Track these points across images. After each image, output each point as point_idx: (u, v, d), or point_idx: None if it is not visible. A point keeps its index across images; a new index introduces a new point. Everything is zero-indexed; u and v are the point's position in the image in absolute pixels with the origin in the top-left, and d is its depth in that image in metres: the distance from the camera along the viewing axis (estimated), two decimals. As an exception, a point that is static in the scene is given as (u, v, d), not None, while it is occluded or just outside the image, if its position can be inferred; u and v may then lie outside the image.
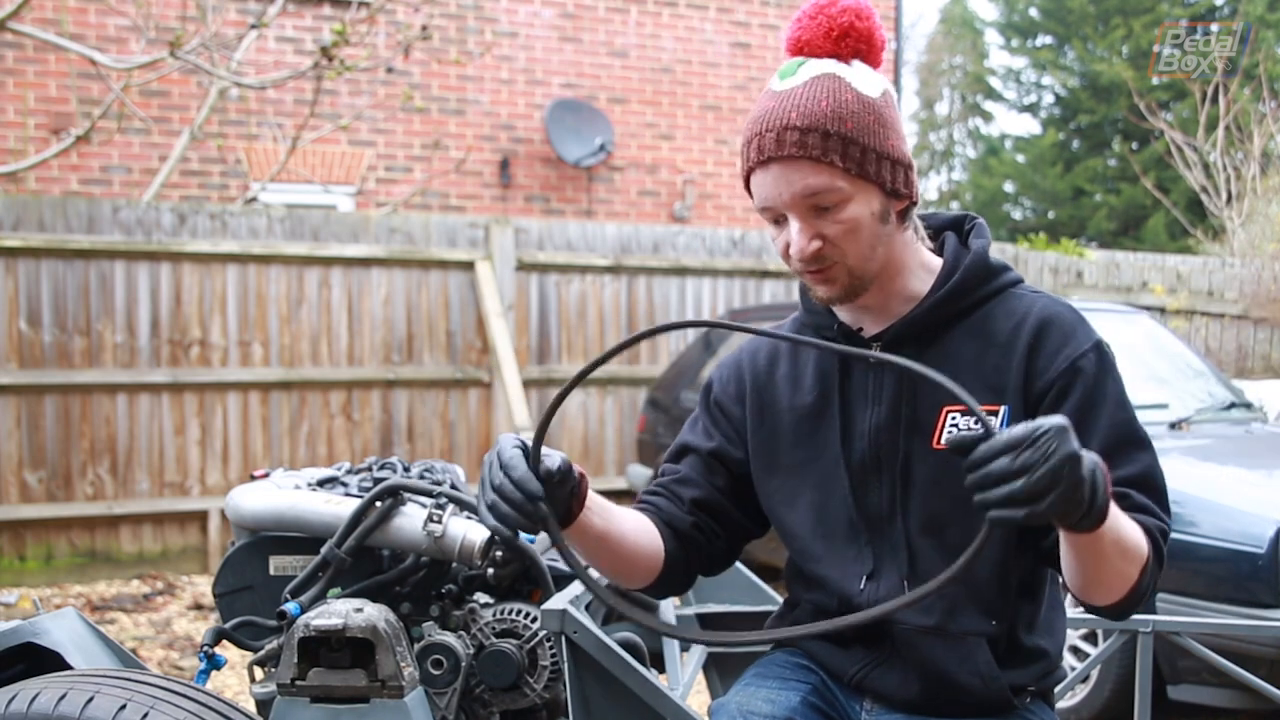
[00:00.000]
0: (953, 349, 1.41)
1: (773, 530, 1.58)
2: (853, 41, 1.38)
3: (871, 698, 1.46)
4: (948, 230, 1.50)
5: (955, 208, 26.74)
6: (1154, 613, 1.95)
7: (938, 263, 1.45)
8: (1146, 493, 1.33)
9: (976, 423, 1.25)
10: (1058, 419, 1.08)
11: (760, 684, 1.52)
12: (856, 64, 1.38)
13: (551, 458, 1.27)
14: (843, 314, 1.48)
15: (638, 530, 1.45)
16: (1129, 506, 1.30)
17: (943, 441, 1.38)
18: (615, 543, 1.41)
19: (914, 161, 1.42)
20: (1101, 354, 1.38)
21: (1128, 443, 1.35)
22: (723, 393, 1.58)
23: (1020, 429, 1.08)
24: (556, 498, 1.28)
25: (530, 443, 1.26)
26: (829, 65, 1.37)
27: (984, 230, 1.49)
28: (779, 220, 1.38)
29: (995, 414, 1.37)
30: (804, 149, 1.32)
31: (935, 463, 1.39)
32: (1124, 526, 1.24)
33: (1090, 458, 1.11)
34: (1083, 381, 1.36)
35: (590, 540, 1.37)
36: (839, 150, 1.33)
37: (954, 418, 1.39)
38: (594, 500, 1.36)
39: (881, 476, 1.42)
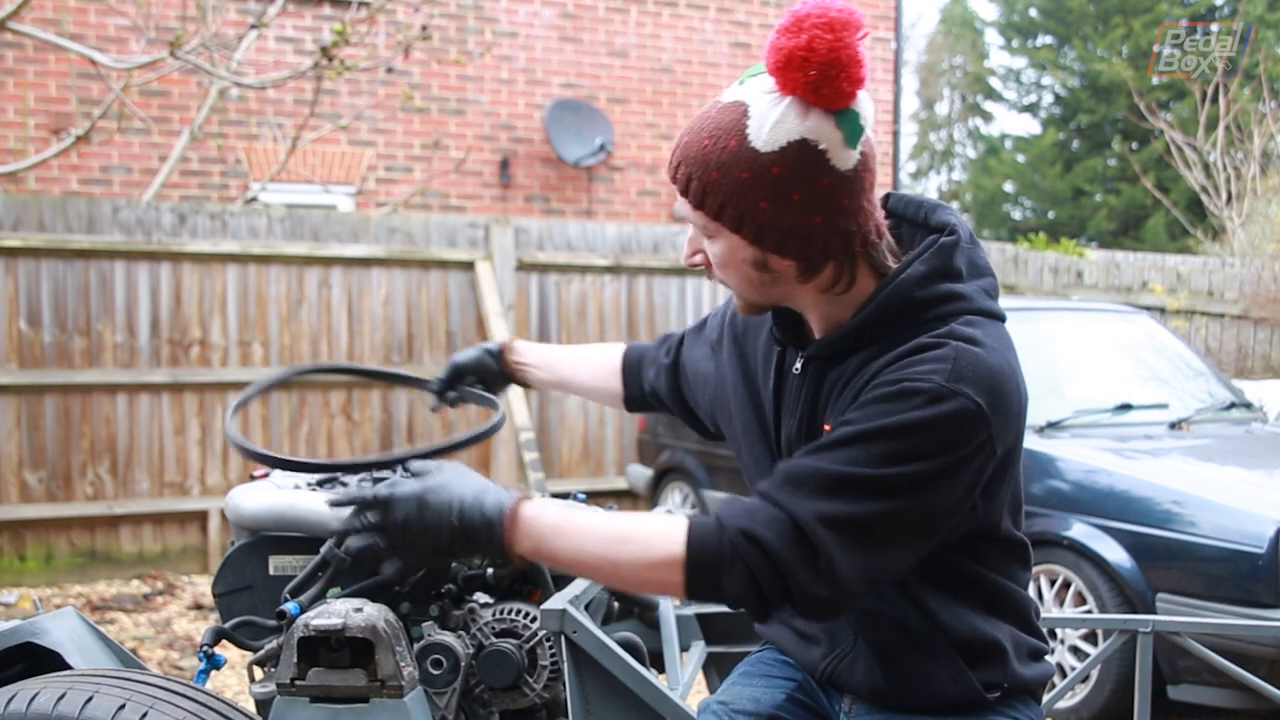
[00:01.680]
0: (846, 371, 1.34)
1: None
2: (799, 77, 1.19)
3: (849, 695, 1.46)
4: (936, 233, 1.36)
5: (955, 208, 26.88)
6: (1154, 613, 1.95)
7: (871, 287, 1.33)
8: (780, 477, 1.25)
9: None
10: (404, 491, 1.32)
11: (746, 682, 1.53)
12: (786, 103, 1.21)
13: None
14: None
15: (594, 376, 1.88)
16: (747, 509, 1.25)
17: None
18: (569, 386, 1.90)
19: (815, 228, 1.25)
20: (930, 397, 1.19)
21: (828, 481, 1.21)
22: (715, 320, 1.68)
23: (370, 492, 1.35)
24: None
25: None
26: (758, 93, 1.24)
27: (940, 254, 1.31)
28: None
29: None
30: (675, 178, 1.32)
31: None
32: (590, 539, 1.27)
33: (459, 514, 1.29)
34: (872, 394, 1.24)
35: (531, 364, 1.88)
36: (699, 194, 1.28)
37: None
38: (535, 360, 1.87)
39: None
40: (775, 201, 1.23)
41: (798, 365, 1.40)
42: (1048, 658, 1.47)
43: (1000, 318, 1.33)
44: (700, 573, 1.23)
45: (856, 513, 1.20)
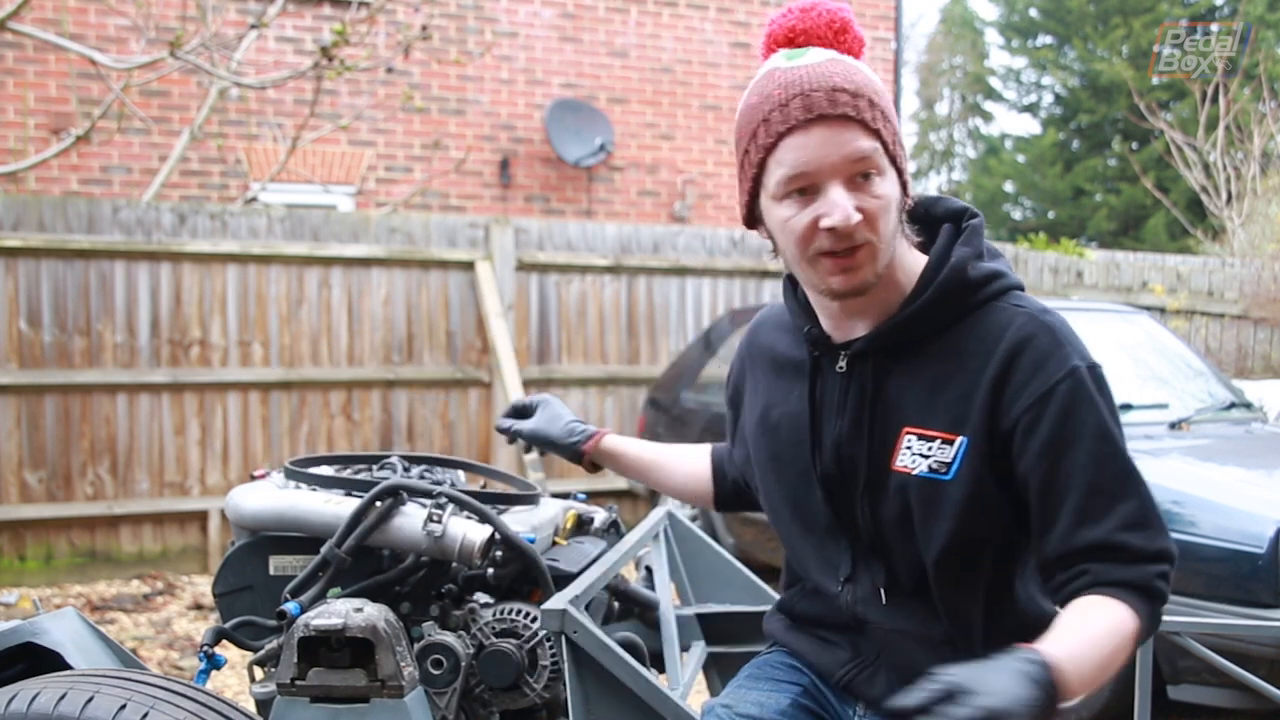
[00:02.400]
0: (920, 367, 1.35)
1: (772, 530, 1.59)
2: (849, 40, 1.35)
3: (863, 702, 1.46)
4: (947, 222, 1.41)
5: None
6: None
7: (919, 266, 1.37)
8: (1132, 538, 1.25)
9: (932, 448, 1.32)
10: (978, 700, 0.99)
11: (752, 685, 1.52)
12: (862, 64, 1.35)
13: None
14: (821, 313, 1.43)
15: (688, 476, 1.82)
16: (1107, 560, 1.25)
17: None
18: (662, 480, 1.83)
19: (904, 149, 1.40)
20: (1077, 382, 1.27)
21: (1111, 485, 1.26)
22: (734, 394, 1.64)
23: (929, 693, 1.01)
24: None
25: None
26: (833, 54, 1.33)
27: (975, 236, 1.38)
28: (805, 191, 1.29)
29: (951, 444, 1.31)
30: (857, 110, 1.27)
31: (893, 483, 1.36)
32: (1095, 654, 1.17)
33: (1023, 682, 1.04)
34: (1052, 415, 1.27)
35: (619, 466, 1.84)
36: (884, 122, 1.29)
37: (910, 440, 1.35)
38: (616, 448, 1.82)
39: (848, 489, 1.41)
40: (896, 120, 1.34)
41: (842, 364, 1.40)
42: None
43: (1024, 288, 1.40)
44: (1150, 629, 1.27)
45: (1149, 493, 1.30)
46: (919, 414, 1.34)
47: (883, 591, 1.39)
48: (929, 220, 1.42)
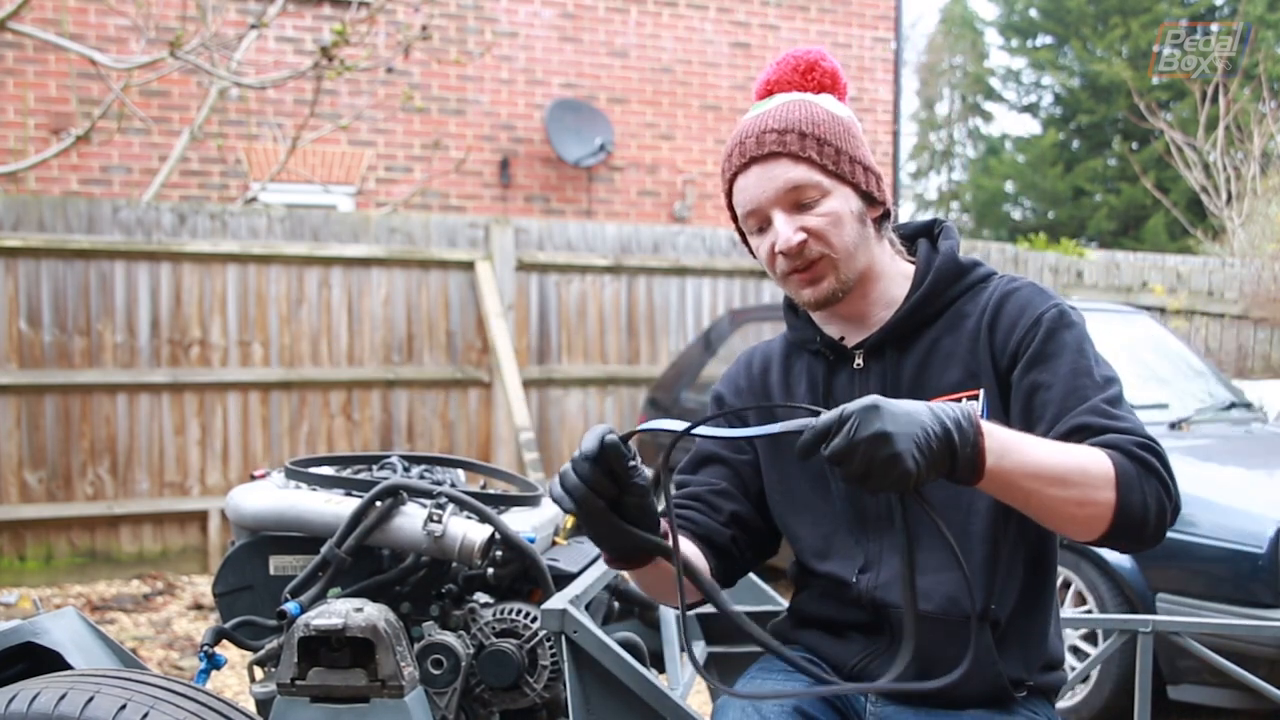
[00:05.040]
0: (930, 347, 1.46)
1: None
2: (818, 76, 1.49)
3: (874, 689, 1.46)
4: (920, 237, 1.55)
5: (955, 208, 26.72)
6: (1154, 613, 1.95)
7: (912, 269, 1.51)
8: (1105, 416, 1.33)
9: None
10: (863, 401, 1.14)
11: (765, 677, 1.54)
12: (824, 95, 1.49)
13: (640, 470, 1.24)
14: (826, 326, 1.52)
15: (693, 558, 1.45)
16: (1087, 437, 1.31)
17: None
18: (669, 571, 1.35)
19: (884, 175, 1.51)
20: (1060, 313, 1.41)
21: (1083, 383, 1.36)
22: (735, 401, 1.61)
23: (825, 417, 1.15)
24: (633, 503, 1.24)
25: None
26: (797, 94, 1.48)
27: (951, 232, 1.54)
28: (763, 227, 1.45)
29: (975, 398, 1.40)
30: (783, 145, 1.41)
31: None
32: (1044, 457, 1.25)
33: (932, 417, 1.16)
34: (1037, 338, 1.39)
35: (652, 569, 1.37)
36: (815, 148, 1.42)
37: None
38: None
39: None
40: (866, 152, 1.48)
41: (858, 361, 1.49)
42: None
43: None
44: (1131, 496, 1.28)
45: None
46: (939, 383, 1.43)
47: (912, 568, 1.40)
48: (908, 242, 1.56)
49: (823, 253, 1.42)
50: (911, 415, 1.15)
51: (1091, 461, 1.27)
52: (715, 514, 1.52)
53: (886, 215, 1.50)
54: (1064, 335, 1.39)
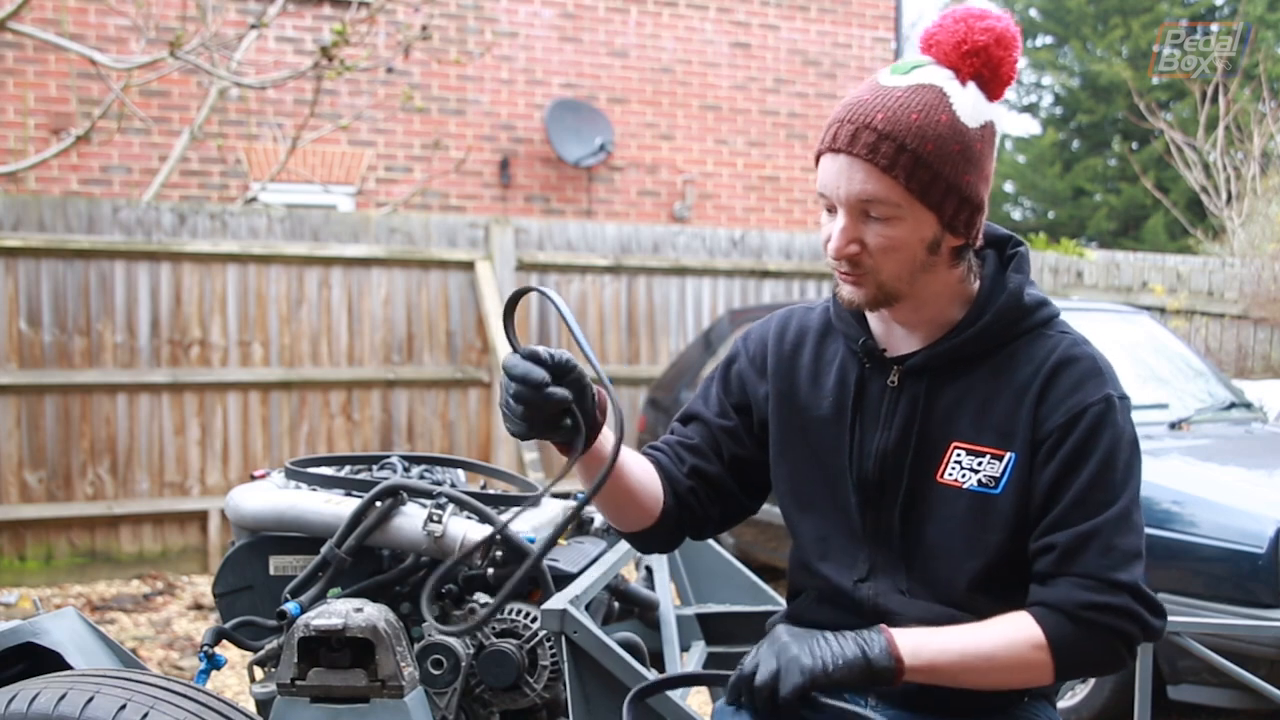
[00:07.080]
0: (971, 386, 1.41)
1: (773, 530, 1.59)
2: (977, 63, 1.33)
3: (874, 693, 1.46)
4: (991, 248, 1.47)
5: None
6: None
7: (973, 291, 1.43)
8: (1082, 554, 1.31)
9: (981, 462, 1.38)
10: (770, 666, 1.25)
11: None
12: (971, 87, 1.34)
13: (558, 353, 1.26)
14: (872, 319, 1.47)
15: (644, 472, 1.47)
16: (1059, 562, 1.32)
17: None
18: (624, 476, 1.41)
19: (985, 205, 1.39)
20: (1106, 408, 1.35)
21: (1095, 498, 1.33)
22: (749, 365, 1.57)
23: (734, 678, 1.27)
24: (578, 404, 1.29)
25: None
26: (942, 78, 1.33)
27: (1024, 262, 1.45)
28: (831, 209, 1.36)
29: (1000, 459, 1.37)
30: (874, 154, 1.29)
31: (937, 495, 1.40)
32: (955, 644, 1.30)
33: (829, 653, 1.26)
34: (1078, 433, 1.34)
35: (599, 466, 1.33)
36: (908, 167, 1.29)
37: (959, 454, 1.39)
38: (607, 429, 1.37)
39: (885, 499, 1.44)
40: (976, 176, 1.34)
41: (894, 379, 1.43)
42: None
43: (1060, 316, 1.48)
44: (1067, 659, 1.31)
45: (1139, 537, 1.34)
46: (969, 430, 1.39)
47: (905, 595, 1.43)
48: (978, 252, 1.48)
49: (869, 270, 1.35)
50: (815, 662, 1.26)
51: (1014, 635, 1.30)
52: (679, 463, 1.53)
53: (969, 246, 1.41)
54: (1102, 436, 1.34)
